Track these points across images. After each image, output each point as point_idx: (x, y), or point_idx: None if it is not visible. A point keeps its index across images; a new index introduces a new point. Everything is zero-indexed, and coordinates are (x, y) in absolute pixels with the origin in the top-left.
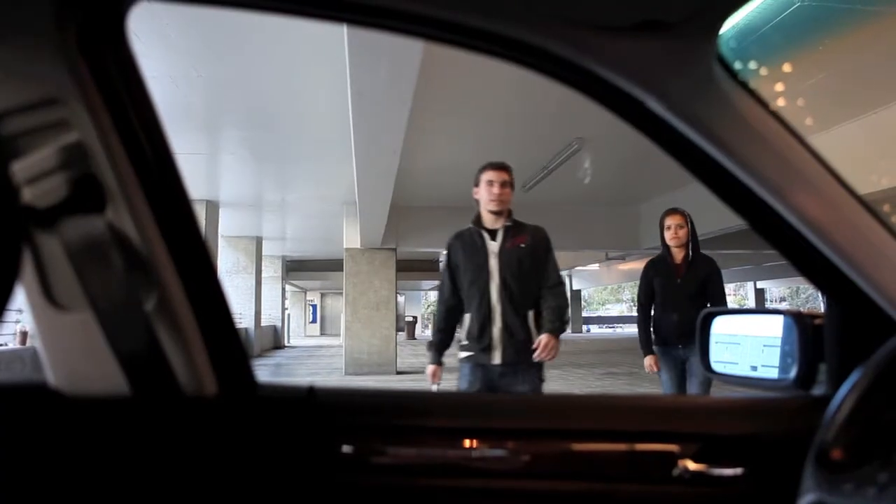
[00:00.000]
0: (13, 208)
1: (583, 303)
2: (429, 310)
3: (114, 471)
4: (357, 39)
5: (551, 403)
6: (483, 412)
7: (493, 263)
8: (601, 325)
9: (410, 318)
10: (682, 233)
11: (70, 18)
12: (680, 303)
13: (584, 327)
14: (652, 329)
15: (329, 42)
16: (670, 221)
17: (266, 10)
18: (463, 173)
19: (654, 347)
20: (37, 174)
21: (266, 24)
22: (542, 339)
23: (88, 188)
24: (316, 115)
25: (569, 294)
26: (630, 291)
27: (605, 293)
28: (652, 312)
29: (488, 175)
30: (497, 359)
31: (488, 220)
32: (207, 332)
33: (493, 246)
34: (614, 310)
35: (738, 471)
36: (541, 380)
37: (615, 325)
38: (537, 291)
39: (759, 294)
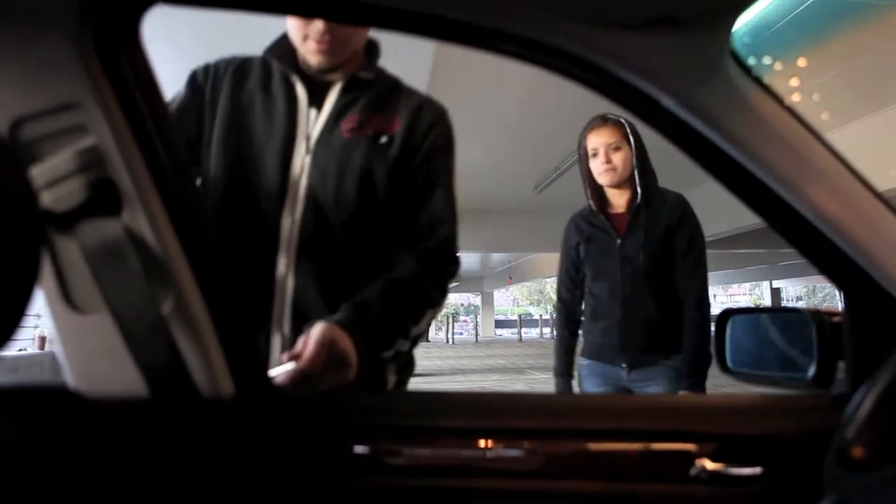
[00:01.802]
0: (32, 212)
1: None
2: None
3: (131, 472)
4: None
5: (568, 403)
6: (499, 412)
7: (301, 163)
8: None
9: None
10: (620, 158)
11: (87, 24)
12: (621, 282)
13: None
14: (581, 335)
15: None
16: (596, 141)
17: (279, 12)
18: (475, 175)
19: (581, 360)
20: (54, 178)
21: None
22: (311, 335)
23: (105, 191)
24: None
25: None
26: None
27: None
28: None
29: None
30: None
31: (314, 59)
32: (223, 333)
33: (312, 120)
34: None
35: (756, 470)
36: None
37: None
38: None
39: (775, 293)
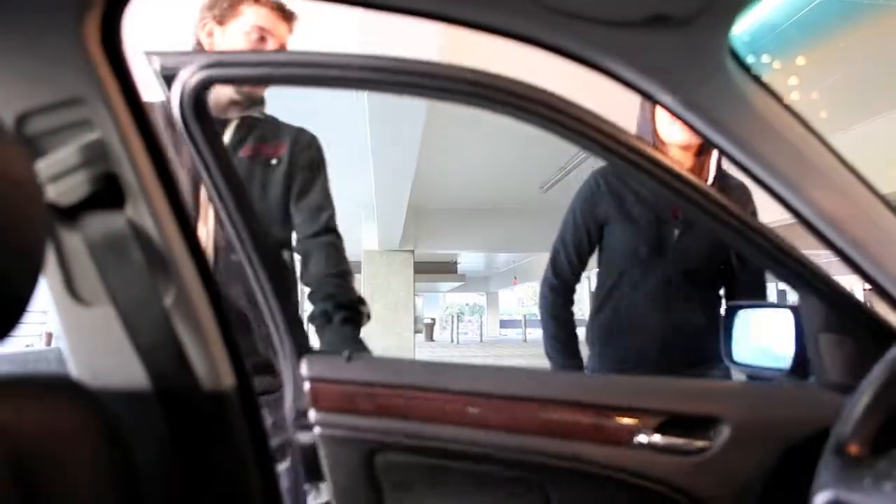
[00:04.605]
0: (37, 205)
1: None
2: (446, 311)
3: (133, 463)
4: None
5: (578, 381)
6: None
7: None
8: None
9: (429, 320)
10: None
11: (91, 19)
12: (664, 289)
13: None
14: (589, 345)
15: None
16: None
17: None
18: (480, 175)
19: None
20: (59, 172)
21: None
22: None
23: (109, 185)
24: (334, 120)
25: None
26: None
27: None
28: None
29: (251, 14)
30: None
31: (221, 97)
32: (225, 326)
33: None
34: None
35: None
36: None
37: None
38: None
39: (782, 295)
